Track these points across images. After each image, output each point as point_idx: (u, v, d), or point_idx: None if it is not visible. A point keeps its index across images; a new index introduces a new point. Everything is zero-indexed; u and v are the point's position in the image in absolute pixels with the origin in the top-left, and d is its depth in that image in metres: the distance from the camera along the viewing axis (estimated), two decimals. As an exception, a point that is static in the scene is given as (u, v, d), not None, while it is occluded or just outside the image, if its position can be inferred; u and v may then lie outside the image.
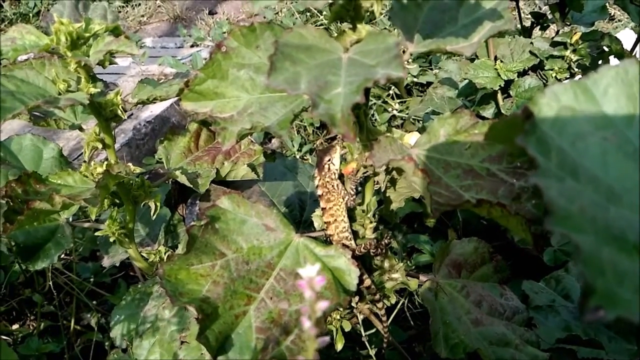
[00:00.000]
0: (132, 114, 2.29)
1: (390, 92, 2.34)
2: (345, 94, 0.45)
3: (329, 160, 0.66)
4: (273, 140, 2.28)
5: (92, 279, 1.45)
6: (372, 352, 0.94)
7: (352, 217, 0.71)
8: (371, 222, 0.70)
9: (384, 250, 0.71)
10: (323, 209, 0.67)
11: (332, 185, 0.66)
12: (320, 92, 0.45)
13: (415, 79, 2.38)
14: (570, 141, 0.35)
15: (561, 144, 0.35)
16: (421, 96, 2.26)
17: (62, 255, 1.48)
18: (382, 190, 0.73)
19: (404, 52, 0.60)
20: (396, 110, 2.26)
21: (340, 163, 0.67)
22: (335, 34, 0.57)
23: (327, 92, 0.46)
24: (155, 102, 0.73)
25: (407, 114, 2.19)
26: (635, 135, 0.36)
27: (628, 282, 0.28)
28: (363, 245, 0.69)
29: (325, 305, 0.34)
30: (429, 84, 2.31)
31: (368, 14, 0.57)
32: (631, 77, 0.37)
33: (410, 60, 2.45)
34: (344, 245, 0.68)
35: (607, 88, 0.37)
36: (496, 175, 0.57)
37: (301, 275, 0.36)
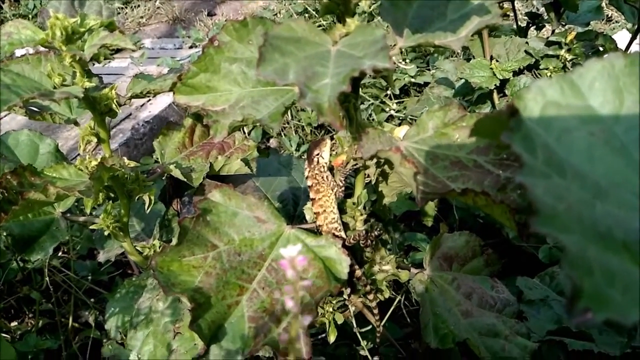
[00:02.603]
0: (130, 114, 2.30)
1: (388, 92, 2.35)
2: (332, 84, 0.46)
3: (318, 153, 0.67)
4: (271, 140, 2.29)
5: (89, 277, 1.46)
6: (365, 346, 0.95)
7: (342, 210, 0.71)
8: (361, 215, 0.71)
9: (373, 242, 0.72)
10: (312, 199, 0.68)
11: (322, 177, 0.67)
12: (308, 82, 0.46)
13: (412, 79, 2.39)
14: (556, 137, 0.34)
15: (547, 140, 0.34)
16: (418, 96, 2.28)
17: (60, 254, 1.49)
18: (374, 183, 0.74)
19: (393, 46, 0.61)
20: (394, 110, 2.28)
21: (331, 155, 0.68)
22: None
23: (315, 82, 0.47)
24: (149, 96, 0.74)
25: (405, 113, 2.21)
26: (622, 130, 0.35)
27: (618, 282, 0.27)
28: (353, 236, 0.70)
29: (309, 284, 0.35)
30: (426, 84, 2.33)
31: (363, 15, 0.58)
32: (617, 71, 0.36)
33: (407, 60, 2.46)
34: (334, 236, 0.69)
35: (593, 82, 0.36)
36: (483, 167, 0.58)
37: (283, 256, 0.36)
